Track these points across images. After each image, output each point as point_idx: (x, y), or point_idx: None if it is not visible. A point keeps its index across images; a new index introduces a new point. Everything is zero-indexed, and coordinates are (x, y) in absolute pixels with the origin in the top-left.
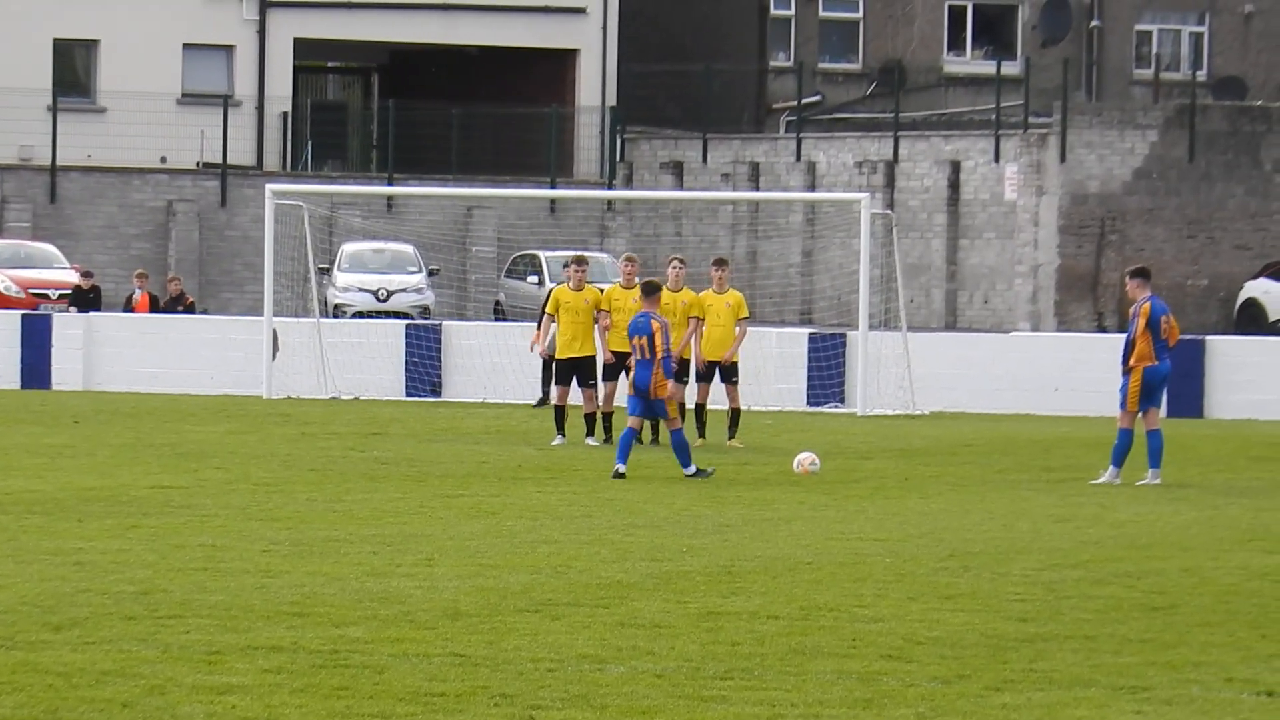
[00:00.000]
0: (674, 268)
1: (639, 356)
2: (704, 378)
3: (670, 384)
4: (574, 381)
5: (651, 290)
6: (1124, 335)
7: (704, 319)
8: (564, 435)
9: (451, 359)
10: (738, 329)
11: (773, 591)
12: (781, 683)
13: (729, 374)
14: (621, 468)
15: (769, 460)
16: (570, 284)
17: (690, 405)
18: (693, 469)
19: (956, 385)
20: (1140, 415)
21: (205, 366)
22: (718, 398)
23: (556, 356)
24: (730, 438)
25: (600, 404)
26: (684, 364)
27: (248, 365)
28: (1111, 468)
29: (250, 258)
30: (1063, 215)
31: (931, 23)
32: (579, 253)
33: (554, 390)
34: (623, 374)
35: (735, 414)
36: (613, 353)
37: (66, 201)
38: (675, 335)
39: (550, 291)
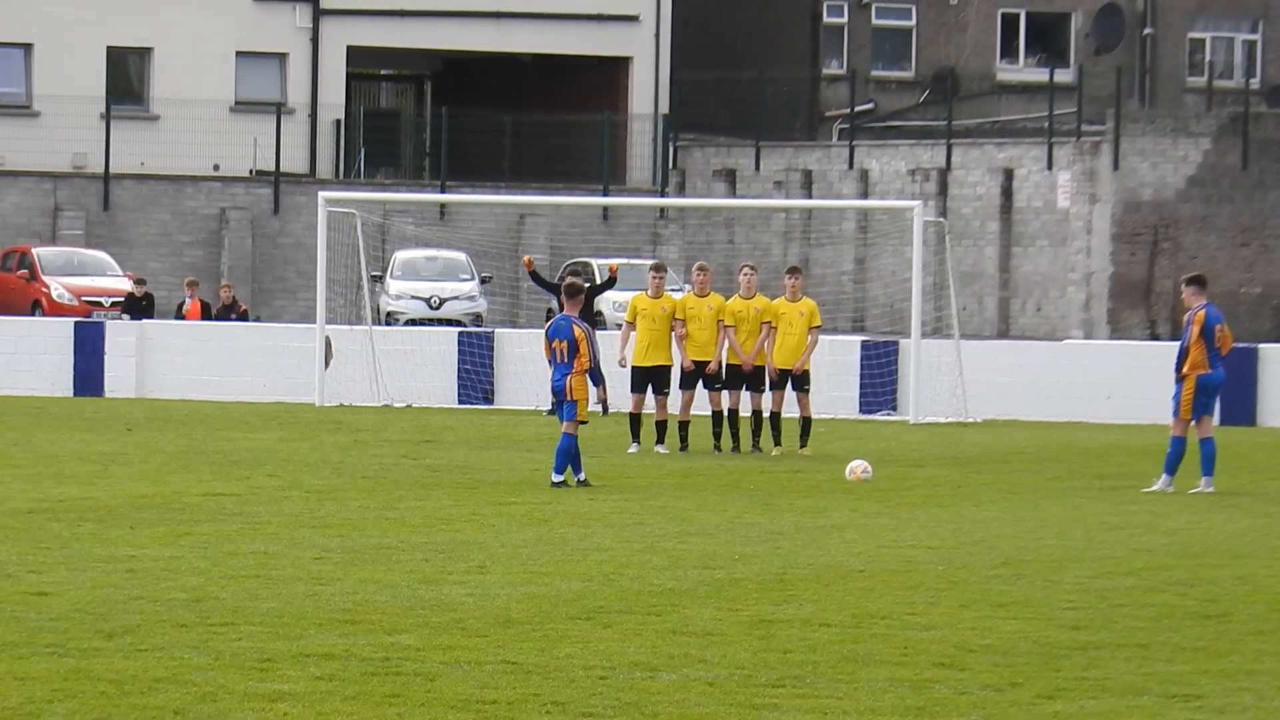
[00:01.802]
0: (745, 275)
1: (557, 360)
2: (777, 386)
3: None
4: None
5: (574, 292)
6: (1177, 343)
7: (776, 326)
8: (639, 443)
9: (504, 366)
10: (810, 337)
11: (825, 599)
12: (834, 690)
13: (801, 383)
14: (558, 478)
15: (821, 468)
16: (649, 292)
17: (766, 413)
18: (560, 478)
19: (1009, 393)
20: (1193, 423)
21: (258, 374)
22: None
23: (634, 364)
24: (802, 446)
25: (678, 413)
26: (758, 371)
27: (300, 373)
28: (1165, 476)
29: (303, 265)
30: (1116, 223)
31: (984, 30)
32: (658, 260)
33: (630, 398)
34: (699, 382)
35: (807, 422)
36: (691, 361)
37: (120, 209)
38: (749, 342)
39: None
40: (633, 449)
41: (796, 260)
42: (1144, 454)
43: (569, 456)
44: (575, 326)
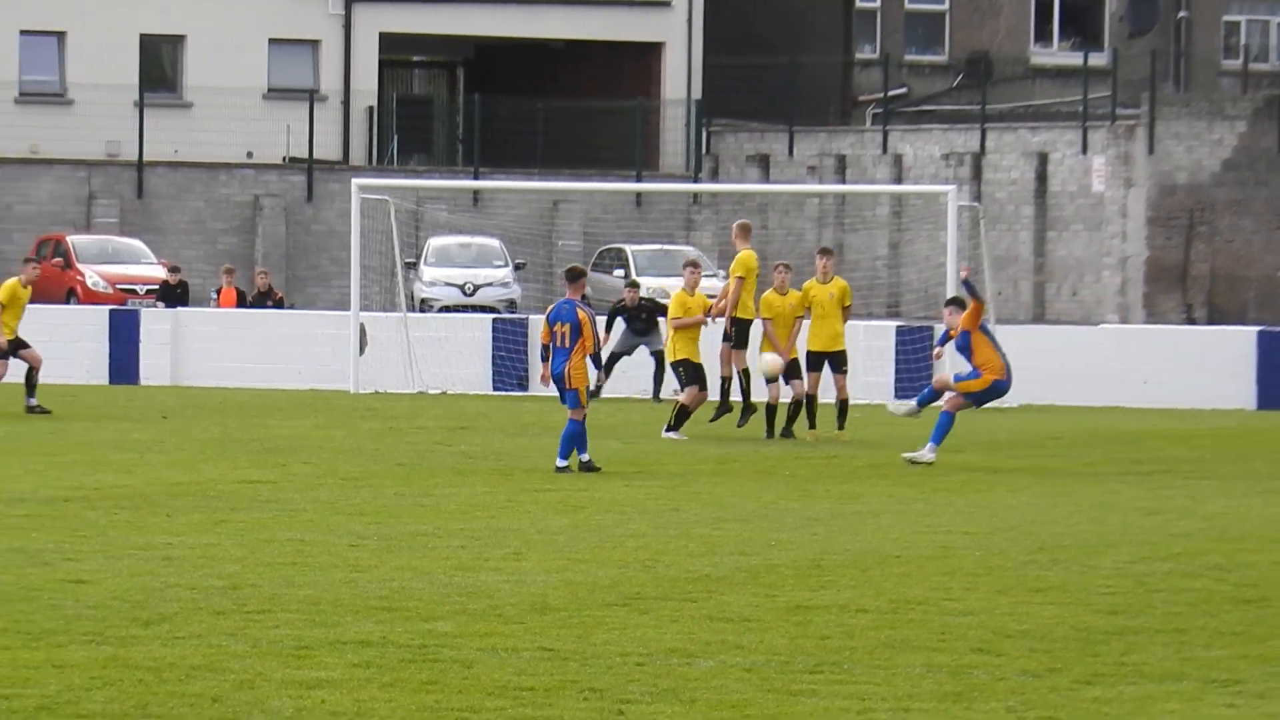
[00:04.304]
0: (779, 273)
1: (557, 344)
2: (813, 368)
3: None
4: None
5: (575, 276)
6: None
7: (810, 310)
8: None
9: (538, 353)
10: (843, 314)
11: (861, 585)
12: (871, 676)
13: (838, 364)
14: (562, 463)
15: (857, 453)
16: (686, 288)
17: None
18: (564, 464)
19: (1044, 378)
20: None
21: (292, 361)
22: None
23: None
24: (839, 428)
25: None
26: (795, 363)
27: (335, 360)
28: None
29: (337, 252)
30: (1151, 207)
31: (1018, 14)
32: (694, 256)
33: (689, 391)
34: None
35: (844, 405)
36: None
37: (153, 197)
38: (784, 335)
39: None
40: (676, 436)
41: (831, 245)
42: (1180, 439)
43: (574, 442)
44: (580, 310)
